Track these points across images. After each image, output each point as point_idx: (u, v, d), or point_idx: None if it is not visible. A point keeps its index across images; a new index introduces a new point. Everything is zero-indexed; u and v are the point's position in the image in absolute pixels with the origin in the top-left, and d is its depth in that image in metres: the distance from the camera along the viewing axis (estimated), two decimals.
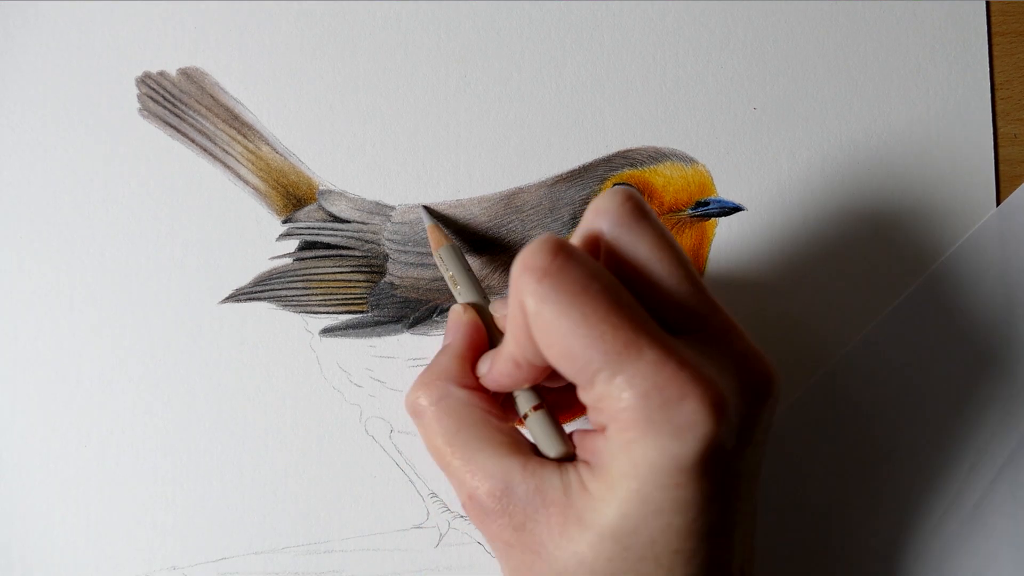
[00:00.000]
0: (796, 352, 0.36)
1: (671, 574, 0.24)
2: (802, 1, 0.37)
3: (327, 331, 0.35)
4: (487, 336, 0.30)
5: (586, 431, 0.27)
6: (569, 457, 0.27)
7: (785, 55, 0.37)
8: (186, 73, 0.36)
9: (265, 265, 0.35)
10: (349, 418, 0.35)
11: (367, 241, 0.36)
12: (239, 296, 0.35)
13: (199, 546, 0.34)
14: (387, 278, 0.35)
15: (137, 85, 0.36)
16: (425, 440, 0.28)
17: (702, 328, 0.25)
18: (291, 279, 0.35)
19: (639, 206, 0.26)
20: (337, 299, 0.35)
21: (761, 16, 0.36)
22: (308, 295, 0.35)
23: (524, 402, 0.28)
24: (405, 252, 0.35)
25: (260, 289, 0.35)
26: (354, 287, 0.35)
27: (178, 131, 0.36)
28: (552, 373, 0.26)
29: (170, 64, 0.36)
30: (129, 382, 0.35)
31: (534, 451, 0.27)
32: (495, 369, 0.27)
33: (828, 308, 0.36)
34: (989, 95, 0.37)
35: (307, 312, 0.35)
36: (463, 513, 0.35)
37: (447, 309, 0.35)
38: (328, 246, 0.36)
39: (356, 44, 0.36)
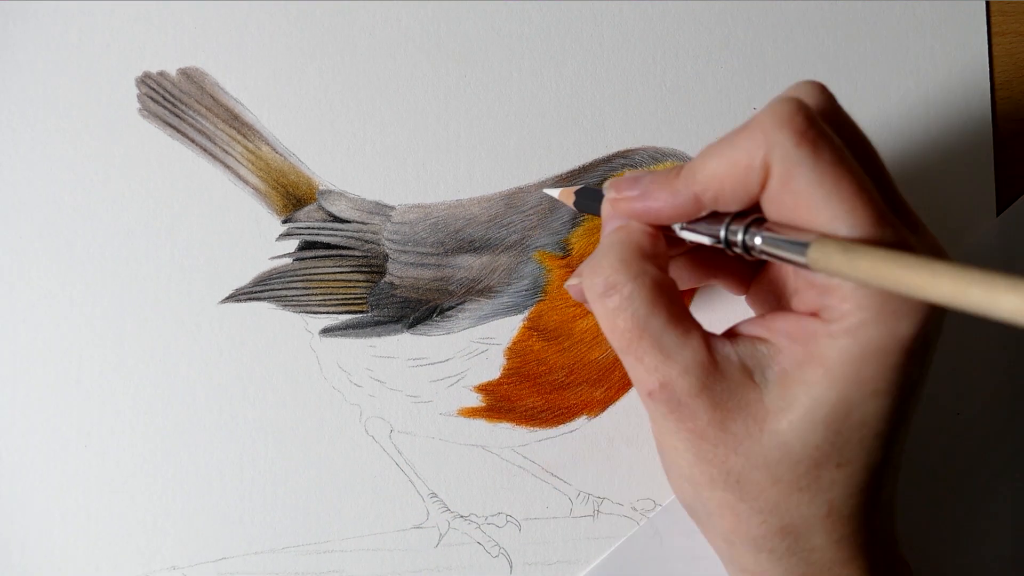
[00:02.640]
0: None
1: (869, 457, 0.25)
2: (802, 1, 0.37)
3: (327, 331, 0.35)
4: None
5: (783, 315, 0.26)
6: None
7: (785, 55, 0.37)
8: (186, 73, 0.36)
9: (265, 265, 0.35)
10: (349, 418, 0.35)
11: (367, 241, 0.36)
12: (239, 296, 0.35)
13: (199, 546, 0.34)
14: (387, 278, 0.35)
15: (137, 85, 0.36)
16: (607, 324, 0.26)
17: (902, 220, 0.25)
18: (291, 279, 0.35)
19: (832, 96, 0.26)
20: (337, 299, 0.35)
21: (761, 16, 0.36)
22: (308, 295, 0.35)
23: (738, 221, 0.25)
24: (405, 252, 0.35)
25: (260, 289, 0.35)
26: (354, 287, 0.35)
27: (178, 131, 0.36)
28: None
29: (170, 64, 0.36)
30: (129, 382, 0.35)
31: (724, 335, 0.26)
32: (656, 196, 0.25)
33: None
34: (989, 95, 0.37)
35: (307, 312, 0.35)
36: (463, 513, 0.35)
37: (447, 309, 0.35)
38: (328, 246, 0.36)
39: (356, 44, 0.36)
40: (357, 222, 0.36)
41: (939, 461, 0.35)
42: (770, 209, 0.24)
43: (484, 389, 0.35)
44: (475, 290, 0.35)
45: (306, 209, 0.36)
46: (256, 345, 0.35)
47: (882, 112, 0.37)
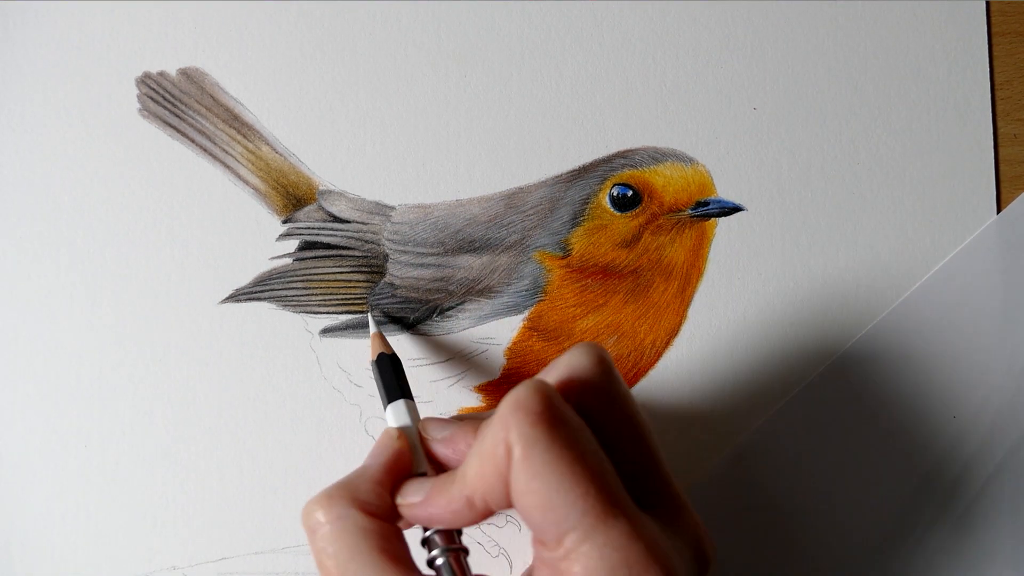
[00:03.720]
0: (794, 352, 0.36)
1: None
2: (802, 1, 0.37)
3: (327, 331, 0.35)
4: (410, 465, 0.28)
5: None
6: None
7: (785, 55, 0.37)
8: (186, 73, 0.36)
9: (265, 265, 0.35)
10: (349, 418, 0.35)
11: (367, 241, 0.36)
12: (239, 296, 0.35)
13: (199, 546, 0.34)
14: (387, 278, 0.35)
15: (137, 85, 0.36)
16: (316, 559, 0.26)
17: (658, 504, 0.25)
18: (291, 279, 0.35)
19: (611, 369, 0.26)
20: (337, 299, 0.35)
21: (761, 16, 0.36)
22: (308, 295, 0.35)
23: (440, 541, 0.26)
24: (405, 252, 0.35)
25: (260, 289, 0.35)
26: (354, 287, 0.35)
27: (178, 131, 0.36)
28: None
29: (170, 64, 0.36)
30: (129, 382, 0.35)
31: None
32: (436, 503, 0.26)
33: (827, 308, 0.36)
34: (989, 95, 0.37)
35: (307, 312, 0.35)
36: None
37: (447, 309, 0.35)
38: (328, 246, 0.36)
39: (356, 44, 0.36)
40: (357, 222, 0.36)
41: (935, 465, 0.35)
42: (514, 494, 0.24)
43: (484, 389, 0.35)
44: (475, 290, 0.35)
45: (306, 209, 0.36)
46: (256, 345, 0.35)
47: (882, 112, 0.37)
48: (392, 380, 0.31)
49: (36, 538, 0.34)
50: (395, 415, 0.30)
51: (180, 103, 0.36)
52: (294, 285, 0.35)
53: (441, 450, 0.28)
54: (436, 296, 0.35)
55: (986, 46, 0.37)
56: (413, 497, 0.27)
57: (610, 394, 0.26)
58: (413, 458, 0.28)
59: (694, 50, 0.36)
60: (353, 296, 0.35)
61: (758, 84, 0.36)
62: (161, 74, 0.36)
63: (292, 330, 0.35)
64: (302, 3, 0.36)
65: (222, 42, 0.36)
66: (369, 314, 0.35)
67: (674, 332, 0.36)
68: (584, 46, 0.36)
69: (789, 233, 0.36)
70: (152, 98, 0.36)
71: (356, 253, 0.36)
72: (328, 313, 0.35)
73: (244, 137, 0.36)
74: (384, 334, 0.33)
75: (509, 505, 0.24)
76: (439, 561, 0.26)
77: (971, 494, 0.35)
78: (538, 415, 0.23)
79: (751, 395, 0.35)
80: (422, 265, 0.35)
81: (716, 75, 0.36)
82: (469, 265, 0.35)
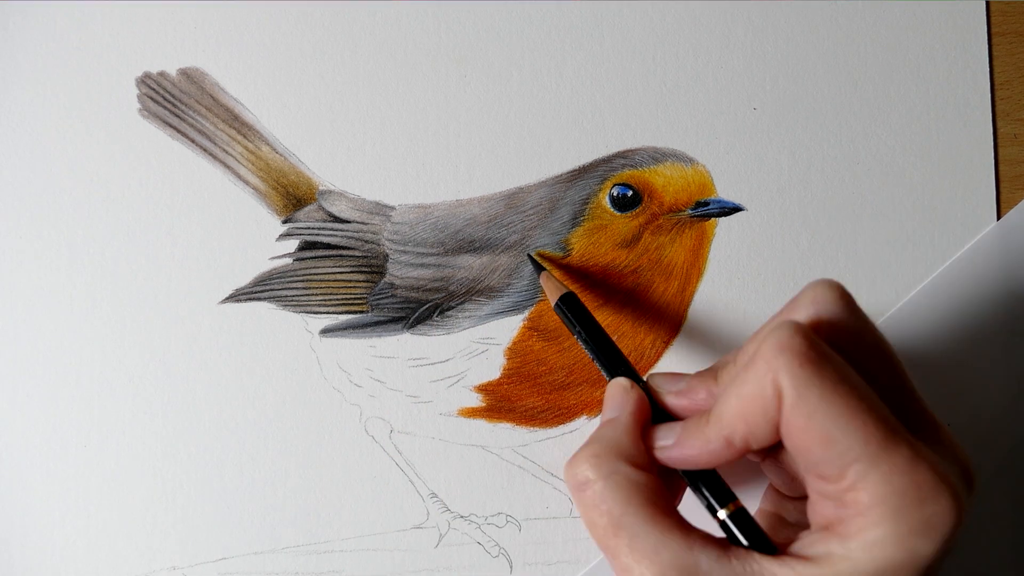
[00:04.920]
0: None
1: None
2: (802, 1, 0.37)
3: (327, 331, 0.35)
4: (649, 414, 0.28)
5: (794, 525, 0.26)
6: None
7: (785, 55, 0.37)
8: (186, 73, 0.36)
9: (265, 265, 0.35)
10: (349, 418, 0.35)
11: (367, 241, 0.36)
12: (239, 296, 0.35)
13: (199, 546, 0.34)
14: (387, 278, 0.35)
15: (137, 85, 0.36)
16: (585, 518, 0.26)
17: (920, 428, 0.26)
18: (291, 279, 0.35)
19: (853, 301, 0.26)
20: (337, 299, 0.35)
21: (761, 16, 0.36)
22: (308, 295, 0.35)
23: (718, 499, 0.26)
24: (405, 252, 0.35)
25: (260, 289, 0.35)
26: (354, 287, 0.35)
27: (178, 131, 0.36)
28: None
29: (170, 64, 0.36)
30: (129, 382, 0.35)
31: (711, 541, 0.25)
32: (691, 444, 0.26)
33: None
34: (989, 95, 0.37)
35: (307, 312, 0.35)
36: (463, 514, 0.35)
37: (447, 309, 0.35)
38: (328, 246, 0.36)
39: (356, 44, 0.36)
40: (357, 222, 0.36)
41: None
42: (786, 430, 0.24)
43: (484, 389, 0.35)
44: (475, 290, 0.35)
45: (306, 209, 0.36)
46: (256, 345, 0.35)
47: (882, 112, 0.37)
48: (590, 321, 0.31)
49: (36, 538, 0.34)
50: (620, 368, 0.30)
51: (180, 103, 0.36)
52: (294, 285, 0.35)
53: (676, 401, 0.28)
54: (436, 296, 0.35)
55: (986, 46, 0.37)
56: (664, 440, 0.27)
57: (857, 327, 0.26)
58: (652, 408, 0.28)
59: (694, 50, 0.36)
60: (353, 296, 0.35)
61: (758, 84, 0.36)
62: (161, 74, 0.36)
63: (292, 330, 0.35)
64: (302, 3, 0.36)
65: (222, 42, 0.36)
66: (528, 256, 0.35)
67: (674, 332, 0.36)
68: (584, 46, 0.36)
69: (789, 233, 0.36)
70: (152, 98, 0.36)
71: (356, 253, 0.36)
72: (328, 313, 0.35)
73: (244, 137, 0.36)
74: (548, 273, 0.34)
75: (771, 443, 0.25)
76: (729, 516, 0.26)
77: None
78: (804, 355, 0.24)
79: None
80: (422, 265, 0.35)
81: (716, 75, 0.36)
82: (469, 265, 0.35)
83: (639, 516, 0.25)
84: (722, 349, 0.36)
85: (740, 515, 0.26)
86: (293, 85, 0.36)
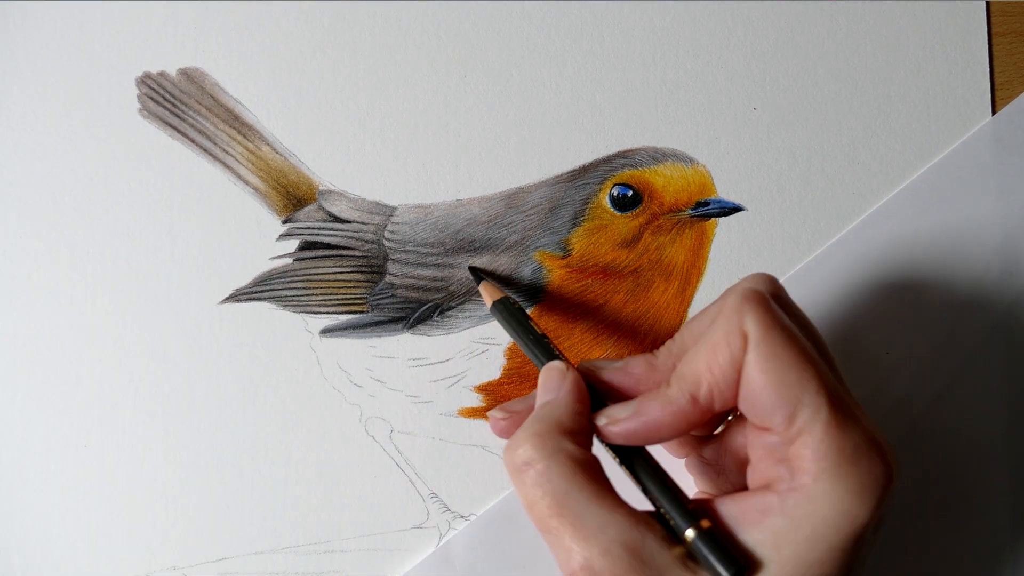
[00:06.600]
0: None
1: None
2: (802, 1, 0.37)
3: (327, 331, 0.35)
4: (587, 394, 0.27)
5: (730, 498, 0.25)
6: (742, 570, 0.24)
7: (785, 55, 0.37)
8: (186, 73, 0.36)
9: (265, 265, 0.35)
10: (349, 418, 0.35)
11: (367, 241, 0.36)
12: (239, 296, 0.35)
13: (199, 546, 0.34)
14: (387, 278, 0.35)
15: (137, 85, 0.36)
16: (525, 500, 0.25)
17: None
18: (291, 279, 0.35)
19: (783, 289, 0.27)
20: (337, 299, 0.35)
21: (761, 16, 0.36)
22: (308, 295, 0.35)
23: (684, 519, 0.25)
24: (405, 252, 0.35)
25: (260, 289, 0.35)
26: (354, 287, 0.35)
27: (178, 131, 0.36)
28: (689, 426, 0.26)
29: (170, 64, 0.36)
30: (129, 382, 0.35)
31: (655, 522, 0.25)
32: (650, 411, 0.25)
33: (827, 307, 0.36)
34: (989, 95, 0.37)
35: (307, 312, 0.35)
36: (463, 514, 0.35)
37: (447, 309, 0.35)
38: (328, 246, 0.36)
39: (356, 44, 0.36)
40: (357, 222, 0.36)
41: (938, 474, 0.35)
42: (748, 376, 0.24)
43: (484, 389, 0.35)
44: (475, 290, 0.35)
45: (306, 209, 0.36)
46: (256, 345, 0.35)
47: (882, 112, 0.37)
48: (523, 319, 0.31)
49: (36, 538, 0.34)
50: (547, 355, 0.29)
51: (180, 103, 0.36)
52: (294, 285, 0.35)
53: (616, 377, 0.28)
54: (436, 296, 0.35)
55: (986, 46, 0.37)
56: (621, 412, 0.26)
57: (791, 304, 0.27)
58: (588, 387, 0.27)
59: (694, 50, 0.36)
60: (353, 296, 0.35)
61: (758, 84, 0.36)
62: (161, 74, 0.36)
63: (292, 330, 0.35)
64: (302, 3, 0.36)
65: (222, 42, 0.36)
66: (468, 272, 0.35)
67: (674, 332, 0.36)
68: (584, 46, 0.36)
69: (789, 233, 0.36)
70: (152, 98, 0.36)
71: (356, 253, 0.36)
72: (328, 313, 0.35)
73: (244, 137, 0.36)
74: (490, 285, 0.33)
75: (730, 403, 0.25)
76: (695, 539, 0.24)
77: (976, 499, 0.35)
78: (767, 304, 0.25)
79: None
80: (422, 265, 0.35)
81: (716, 75, 0.36)
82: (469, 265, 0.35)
83: (583, 494, 0.24)
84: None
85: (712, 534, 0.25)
86: (293, 85, 0.36)
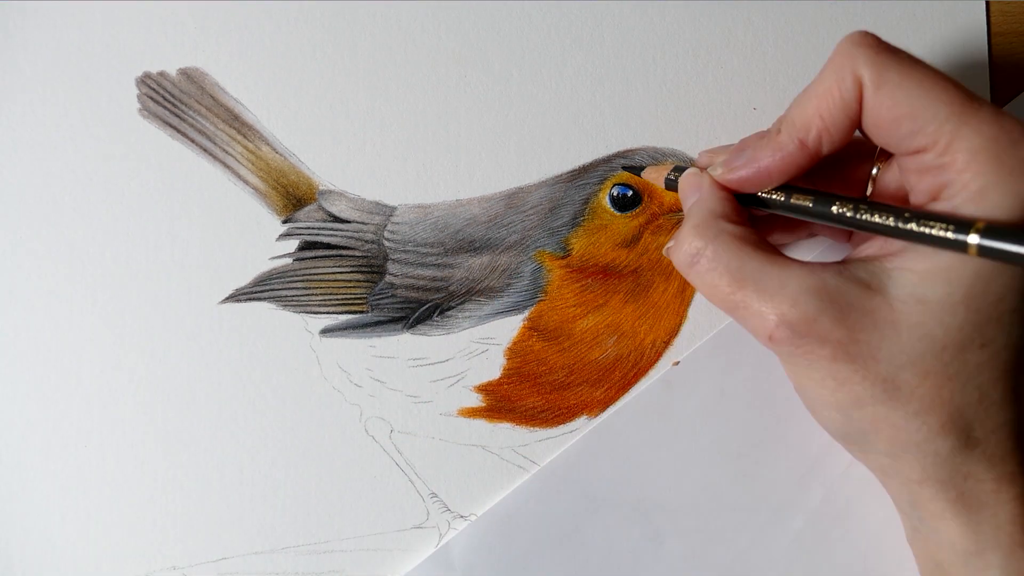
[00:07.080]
0: None
1: (1009, 336, 0.26)
2: (802, 1, 0.37)
3: (327, 331, 0.35)
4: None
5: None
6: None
7: (785, 55, 0.37)
8: (186, 73, 0.36)
9: (265, 265, 0.35)
10: (349, 418, 0.35)
11: (367, 241, 0.36)
12: (239, 296, 0.35)
13: (199, 546, 0.34)
14: (387, 278, 0.35)
15: (137, 85, 0.36)
16: (705, 289, 0.28)
17: None
18: (291, 279, 0.35)
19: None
20: (337, 299, 0.35)
21: (761, 16, 0.36)
22: (308, 295, 0.35)
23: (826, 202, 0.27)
24: (405, 252, 0.35)
25: (260, 289, 0.35)
26: (354, 287, 0.35)
27: (178, 131, 0.36)
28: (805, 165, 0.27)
29: (170, 64, 0.36)
30: (129, 382, 0.35)
31: (827, 263, 0.27)
32: (762, 156, 0.27)
33: None
34: (989, 95, 0.37)
35: (307, 312, 0.35)
36: (463, 514, 0.35)
37: (447, 309, 0.35)
38: (328, 246, 0.36)
39: (356, 44, 0.36)
40: (357, 222, 0.36)
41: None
42: (872, 117, 0.26)
43: (484, 389, 0.35)
44: (475, 290, 0.35)
45: (306, 209, 0.36)
46: (256, 345, 0.35)
47: None
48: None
49: (36, 538, 0.34)
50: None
51: (180, 103, 0.36)
52: (294, 285, 0.35)
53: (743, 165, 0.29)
54: (436, 296, 0.35)
55: (986, 46, 0.37)
56: (737, 160, 0.28)
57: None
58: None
59: (694, 50, 0.36)
60: (353, 296, 0.35)
61: (758, 84, 0.36)
62: (161, 74, 0.36)
63: (292, 330, 0.35)
64: (302, 3, 0.36)
65: (222, 42, 0.36)
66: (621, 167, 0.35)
67: (674, 332, 0.36)
68: (584, 46, 0.36)
69: None
70: (152, 98, 0.36)
71: (356, 253, 0.36)
72: (328, 313, 0.35)
73: (244, 137, 0.36)
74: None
75: (843, 142, 0.27)
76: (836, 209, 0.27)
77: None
78: (879, 45, 0.26)
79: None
80: (422, 265, 0.35)
81: (716, 75, 0.36)
82: (469, 265, 0.35)
83: (755, 262, 0.27)
84: (722, 349, 0.36)
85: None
86: (293, 85, 0.36)
